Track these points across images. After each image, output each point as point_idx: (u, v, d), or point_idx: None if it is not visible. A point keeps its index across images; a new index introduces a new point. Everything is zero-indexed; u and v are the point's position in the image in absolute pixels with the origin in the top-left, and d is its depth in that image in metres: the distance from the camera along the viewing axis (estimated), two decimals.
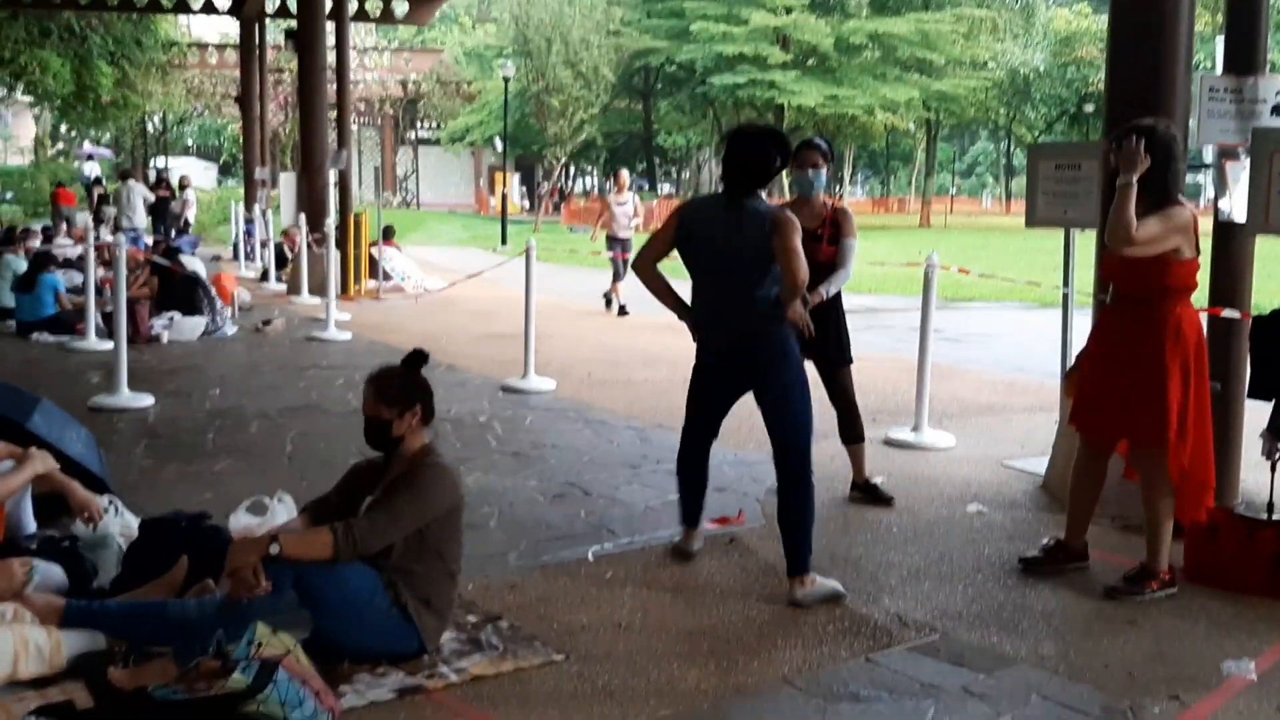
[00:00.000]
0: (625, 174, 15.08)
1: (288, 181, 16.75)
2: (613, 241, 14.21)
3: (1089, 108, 45.30)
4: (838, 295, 5.62)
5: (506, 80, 35.52)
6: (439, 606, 3.57)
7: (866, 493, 5.65)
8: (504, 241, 29.77)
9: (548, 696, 3.34)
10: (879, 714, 3.29)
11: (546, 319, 12.64)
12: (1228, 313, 5.35)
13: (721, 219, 4.37)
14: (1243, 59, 5.56)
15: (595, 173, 63.38)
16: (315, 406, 7.68)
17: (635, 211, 14.57)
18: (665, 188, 59.83)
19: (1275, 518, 4.52)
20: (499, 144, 42.55)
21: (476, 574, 4.25)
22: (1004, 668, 3.63)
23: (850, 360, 5.67)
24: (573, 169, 62.80)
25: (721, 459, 6.45)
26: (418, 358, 3.73)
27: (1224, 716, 3.33)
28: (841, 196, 52.18)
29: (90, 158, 42.30)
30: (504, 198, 34.57)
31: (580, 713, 3.23)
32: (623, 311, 13.98)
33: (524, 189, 54.44)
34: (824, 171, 5.60)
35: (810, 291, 5.47)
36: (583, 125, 40.62)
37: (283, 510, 4.07)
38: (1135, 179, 4.15)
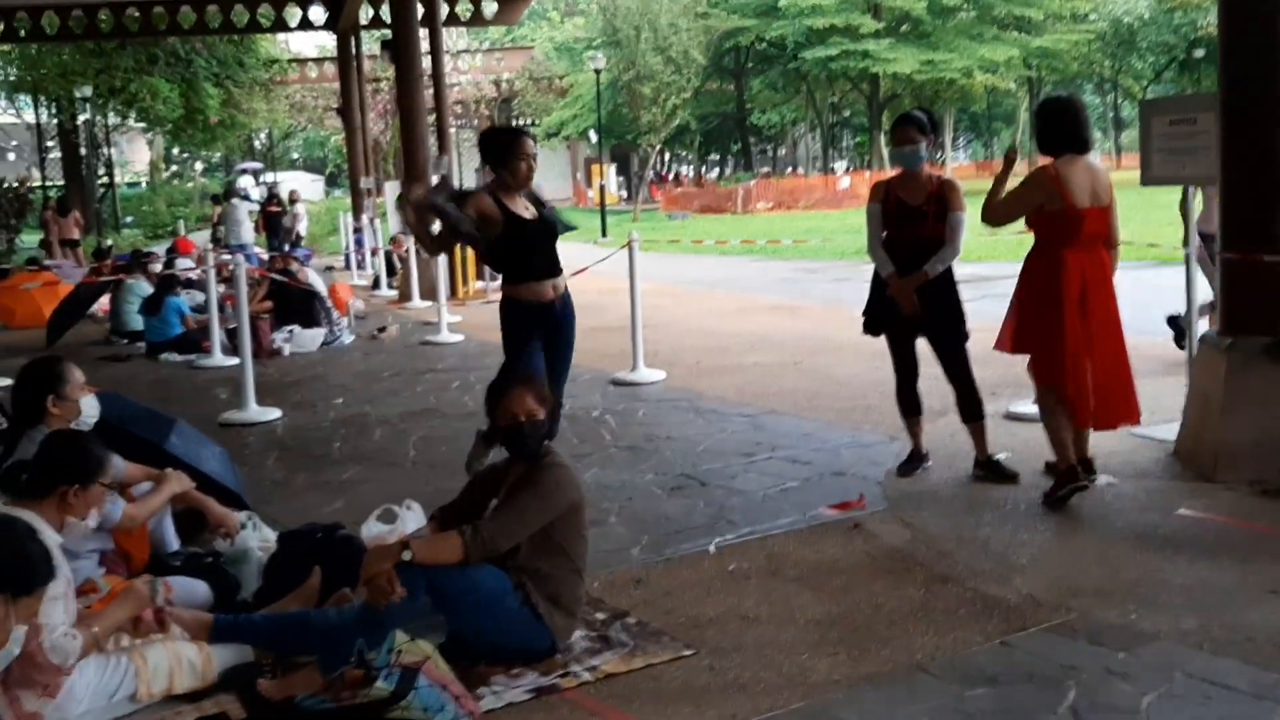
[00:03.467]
0: None
1: (393, 189, 17.09)
2: None
3: (1199, 53, 43.54)
4: (948, 270, 5.52)
5: (598, 72, 35.65)
6: (568, 604, 3.62)
7: (990, 470, 5.54)
8: (604, 233, 29.92)
9: (680, 691, 3.36)
10: (1018, 698, 3.24)
11: (651, 309, 12.69)
12: None
13: None
14: None
15: (691, 158, 63.28)
16: (434, 410, 7.85)
17: None
18: (763, 167, 59.37)
19: None
20: (593, 136, 42.75)
21: (601, 570, 4.30)
22: (1144, 645, 3.54)
23: (966, 336, 5.56)
24: (668, 155, 62.79)
25: (838, 442, 6.44)
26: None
27: None
28: (944, 163, 51.16)
29: (245, 172, 43.50)
30: (601, 189, 34.71)
31: (713, 707, 3.26)
32: None
33: (621, 179, 54.59)
34: (924, 145, 5.50)
35: (916, 271, 5.41)
36: (675, 110, 40.57)
37: (412, 517, 4.18)
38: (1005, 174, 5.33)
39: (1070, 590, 4.03)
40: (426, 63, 16.60)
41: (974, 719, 3.13)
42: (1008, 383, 7.02)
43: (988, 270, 15.15)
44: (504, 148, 5.41)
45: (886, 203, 5.58)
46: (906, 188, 5.57)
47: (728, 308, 13.36)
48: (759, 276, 18.01)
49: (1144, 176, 6.48)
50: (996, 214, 5.21)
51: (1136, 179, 6.53)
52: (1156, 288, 10.30)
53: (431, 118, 17.42)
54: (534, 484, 3.59)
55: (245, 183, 39.06)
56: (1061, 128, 5.10)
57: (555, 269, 5.59)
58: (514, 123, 54.19)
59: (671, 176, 60.99)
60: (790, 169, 58.44)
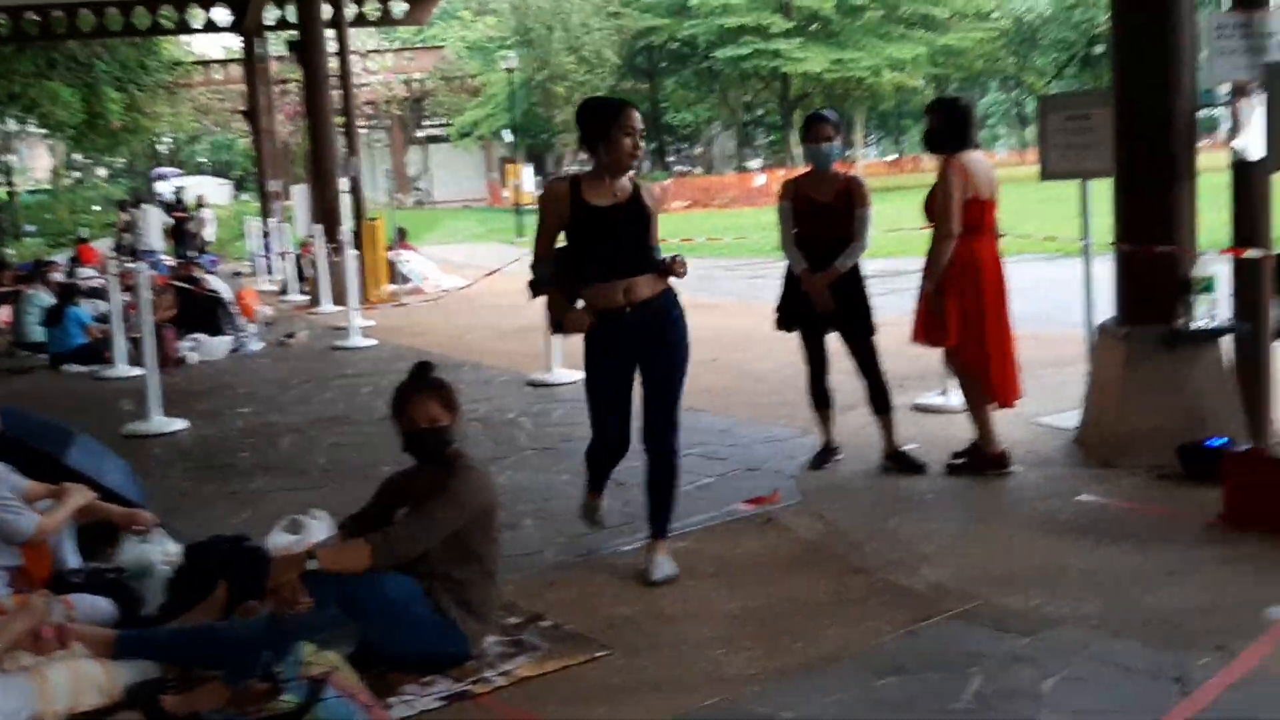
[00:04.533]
0: None
1: (301, 192, 16.81)
2: None
3: (1099, 49, 44.70)
4: (857, 266, 5.60)
5: (510, 71, 35.49)
6: (480, 610, 3.60)
7: (899, 461, 5.64)
8: (520, 233, 29.78)
9: (595, 692, 3.36)
10: (925, 686, 3.30)
11: None
12: (1251, 253, 5.30)
13: None
14: None
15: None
16: (345, 417, 7.73)
17: None
18: (679, 166, 59.59)
19: None
20: (507, 135, 42.54)
21: (515, 574, 4.27)
22: (1047, 630, 3.63)
23: (873, 330, 5.65)
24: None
25: (754, 437, 6.49)
26: (426, 367, 3.76)
27: (1272, 664, 3.31)
28: (855, 161, 51.88)
29: (162, 178, 42.40)
30: (516, 189, 34.53)
31: (629, 706, 3.26)
32: None
33: (538, 179, 54.40)
34: (836, 143, 5.60)
35: (828, 266, 5.49)
36: None
37: (319, 527, 4.11)
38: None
39: (976, 578, 4.12)
40: (335, 64, 16.38)
41: (883, 708, 3.18)
42: (915, 375, 7.13)
43: (898, 265, 15.42)
44: (602, 120, 4.25)
45: (796, 200, 5.66)
46: (815, 185, 5.65)
47: None
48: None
49: (1043, 171, 6.65)
50: (947, 220, 5.25)
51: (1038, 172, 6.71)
52: (1053, 280, 10.58)
53: (340, 119, 17.17)
54: (444, 489, 3.55)
55: (163, 188, 38.18)
56: (959, 125, 5.33)
57: (632, 267, 4.28)
58: (424, 122, 53.79)
59: None
60: (703, 169, 58.75)
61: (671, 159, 57.98)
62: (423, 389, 3.72)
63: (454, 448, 3.69)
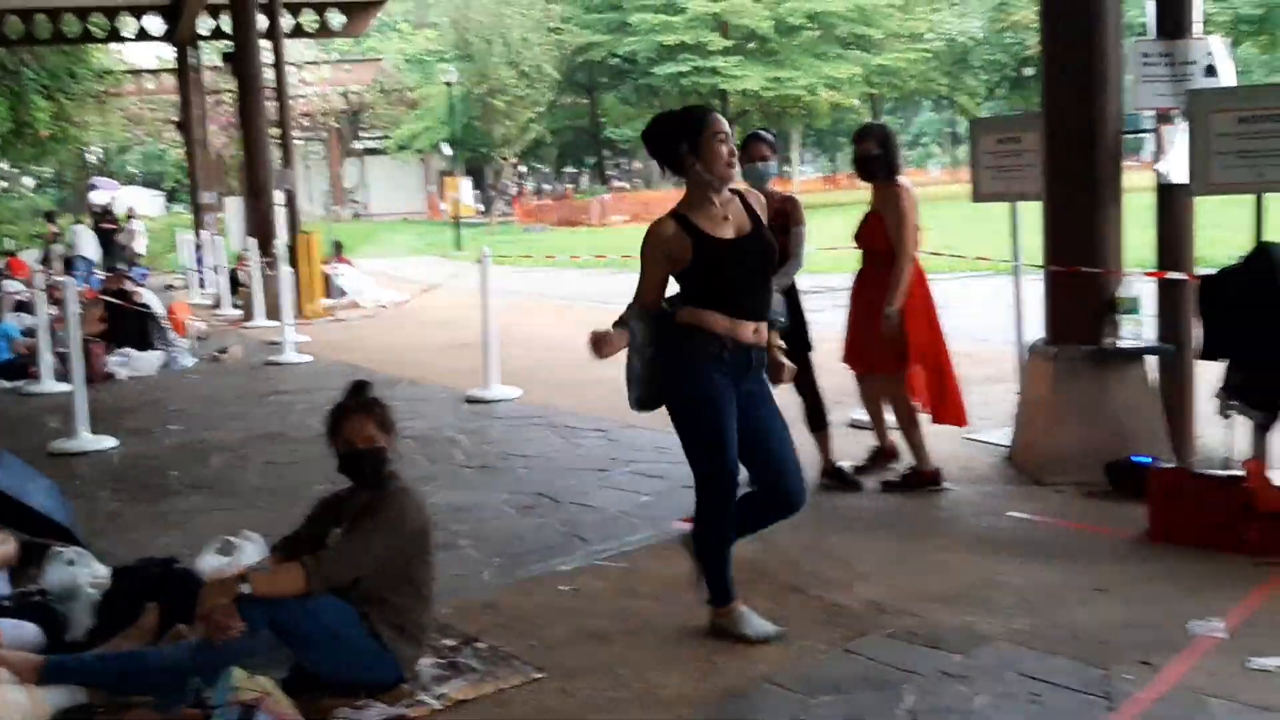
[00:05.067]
0: None
1: (235, 205, 16.60)
2: None
3: (1029, 71, 45.63)
4: (793, 284, 5.65)
5: (449, 85, 35.35)
6: (414, 633, 3.56)
7: (836, 478, 5.70)
8: (459, 247, 29.66)
9: (530, 715, 3.34)
10: (860, 704, 3.33)
11: (508, 324, 12.62)
12: (1173, 275, 5.44)
13: None
14: (1171, 22, 5.64)
15: (549, 171, 63.24)
16: (279, 434, 7.62)
17: None
18: (612, 178, 59.70)
19: (1233, 474, 4.60)
20: (446, 149, 42.35)
21: (451, 595, 4.24)
22: (980, 646, 3.68)
23: (810, 347, 5.70)
24: (524, 169, 62.57)
25: None
26: (363, 386, 3.72)
27: (1194, 677, 3.39)
28: (792, 178, 52.33)
29: (95, 188, 41.43)
30: (455, 202, 34.41)
31: None
32: None
33: (477, 192, 54.23)
34: (773, 163, 5.64)
35: None
36: (529, 124, 40.54)
37: (251, 549, 4.05)
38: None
39: (911, 595, 4.16)
40: (270, 75, 16.20)
41: None
42: (851, 391, 7.20)
43: (835, 281, 15.58)
44: (692, 131, 3.67)
45: None
46: None
47: (586, 321, 13.32)
48: (618, 290, 18.07)
49: (975, 193, 6.77)
50: (909, 244, 5.38)
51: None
52: (985, 298, 10.77)
53: (276, 131, 16.98)
54: (378, 511, 3.52)
55: (99, 199, 37.36)
56: (895, 151, 5.56)
57: (761, 310, 3.81)
58: (361, 135, 53.33)
59: (531, 190, 60.84)
60: (644, 184, 58.87)
61: (613, 174, 58.11)
62: (358, 409, 3.68)
63: (389, 469, 3.66)
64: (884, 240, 5.46)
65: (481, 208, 50.24)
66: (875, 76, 44.41)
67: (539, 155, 55.11)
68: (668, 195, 44.25)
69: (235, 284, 16.60)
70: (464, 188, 35.45)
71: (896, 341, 5.40)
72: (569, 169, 65.50)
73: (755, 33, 43.04)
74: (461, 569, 4.67)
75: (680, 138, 3.69)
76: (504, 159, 42.37)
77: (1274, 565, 4.20)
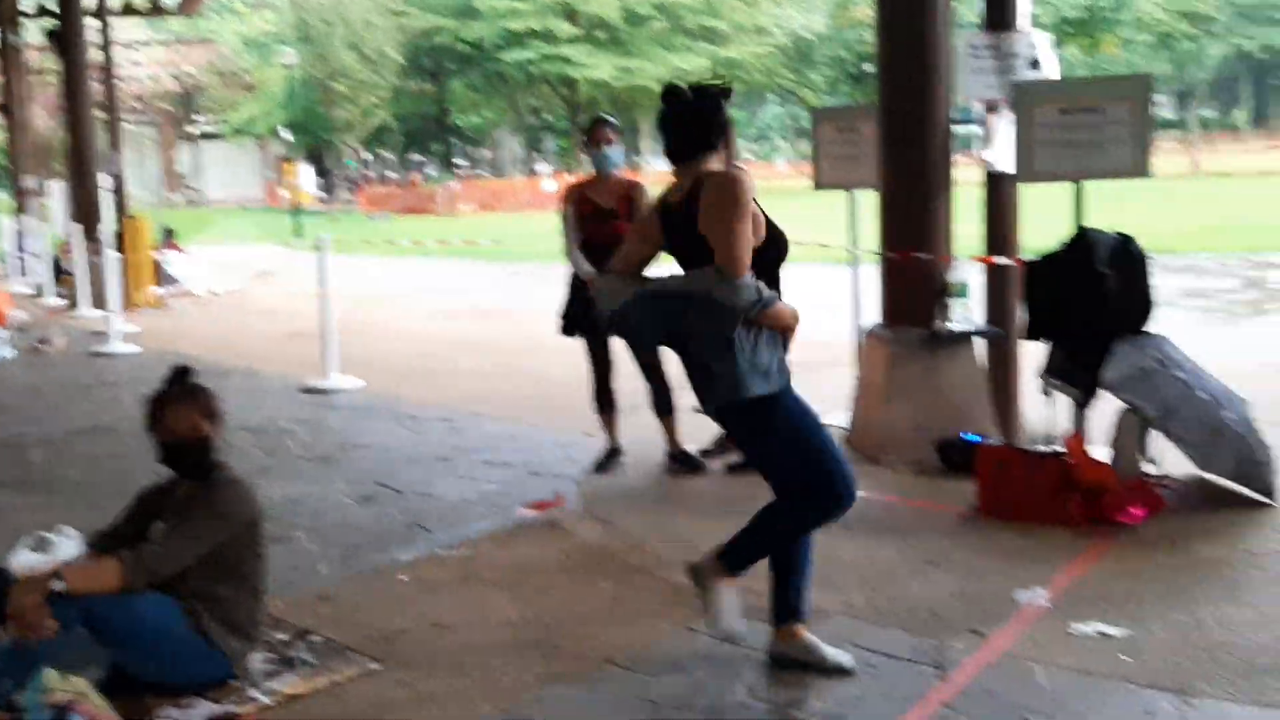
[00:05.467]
0: None
1: (58, 189, 15.73)
2: None
3: (869, 67, 46.97)
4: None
5: (287, 67, 34.29)
6: (245, 628, 3.42)
7: (682, 462, 5.73)
8: (298, 234, 28.83)
9: (367, 708, 3.25)
10: (699, 682, 3.35)
11: (353, 314, 12.32)
12: (1000, 260, 5.65)
13: None
14: (998, 16, 5.85)
15: (394, 158, 62.04)
16: (103, 428, 7.25)
17: None
18: (461, 166, 59.00)
19: (1055, 450, 4.81)
20: (285, 133, 41.11)
21: (285, 588, 4.09)
22: (818, 621, 3.72)
23: None
24: (369, 155, 61.21)
25: (539, 442, 6.47)
26: (185, 373, 3.55)
27: (1020, 645, 3.52)
28: (642, 168, 52.63)
29: None
30: (294, 189, 33.41)
31: None
32: None
33: (318, 179, 52.77)
34: (618, 147, 5.65)
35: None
36: (372, 109, 39.67)
37: (69, 545, 3.82)
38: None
39: (752, 573, 4.19)
40: (98, 55, 15.40)
41: (659, 706, 3.20)
42: None
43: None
44: (722, 111, 3.46)
45: (579, 205, 5.66)
46: (597, 190, 5.68)
47: (433, 310, 13.18)
48: (466, 279, 17.87)
49: (816, 182, 6.90)
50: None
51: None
52: (825, 286, 11.03)
53: (104, 114, 16.15)
54: (203, 503, 3.36)
55: None
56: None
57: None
58: (196, 118, 51.30)
59: (376, 177, 59.54)
60: (474, 170, 58.35)
61: (464, 162, 57.40)
62: (181, 396, 3.50)
63: (215, 459, 3.50)
64: None
65: (324, 195, 48.96)
66: (722, 69, 44.96)
67: (384, 141, 54.00)
68: (517, 185, 44.05)
69: (59, 272, 15.75)
70: (304, 174, 34.44)
71: None
72: (416, 156, 64.44)
73: (604, 21, 43.09)
74: (296, 562, 4.52)
75: (724, 112, 3.43)
76: (346, 145, 41.32)
77: (1093, 537, 4.40)
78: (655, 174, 50.18)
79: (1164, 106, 70.22)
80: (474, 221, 35.30)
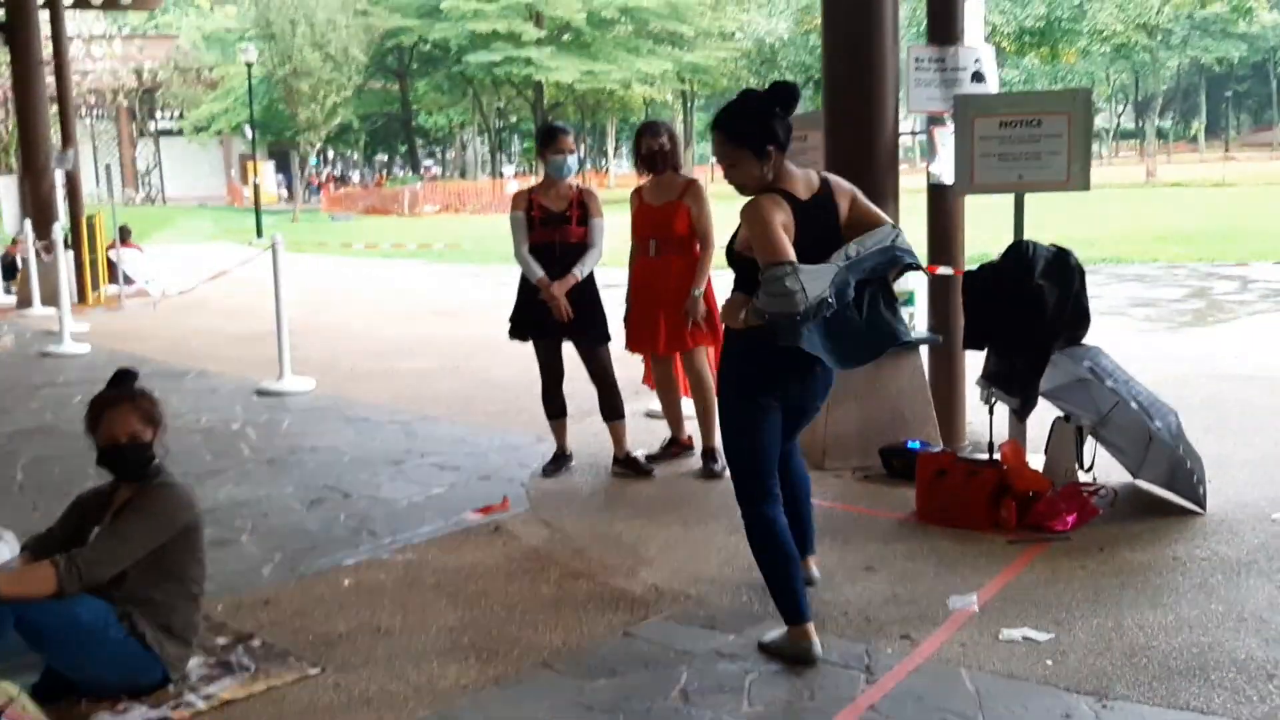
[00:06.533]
0: None
1: (8, 185, 15.53)
2: None
3: None
4: (591, 275, 5.72)
5: (249, 65, 34.04)
6: (182, 632, 3.43)
7: (629, 467, 5.78)
8: (260, 234, 28.63)
9: (302, 713, 3.27)
10: (634, 685, 3.39)
11: (307, 314, 12.28)
12: (943, 270, 5.74)
13: None
14: (943, 29, 5.94)
15: (357, 158, 61.73)
16: (50, 428, 7.20)
17: None
18: (428, 166, 58.80)
19: (991, 457, 4.90)
20: (249, 131, 40.81)
21: (227, 592, 4.11)
22: (754, 627, 3.80)
23: (608, 338, 5.77)
24: (333, 154, 60.85)
25: (488, 445, 6.49)
26: (127, 376, 3.56)
27: (949, 649, 3.59)
28: (608, 171, 52.71)
29: None
30: (256, 188, 33.17)
31: None
32: None
33: (281, 177, 52.39)
34: (575, 156, 5.76)
35: (565, 274, 5.58)
36: (336, 109, 39.44)
37: (2, 548, 3.81)
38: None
39: (692, 579, 4.27)
40: (50, 49, 15.21)
41: (593, 710, 3.25)
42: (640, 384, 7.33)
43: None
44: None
45: (530, 210, 5.71)
46: (548, 195, 5.73)
47: (388, 312, 13.15)
48: (424, 280, 17.84)
49: None
50: (712, 234, 5.62)
51: None
52: None
53: (57, 108, 15.98)
54: (140, 507, 3.37)
55: None
56: (679, 147, 5.78)
57: None
58: (156, 115, 50.75)
59: (338, 177, 59.19)
60: (458, 173, 58.14)
61: (430, 163, 57.19)
62: (122, 400, 3.51)
63: (155, 463, 3.50)
64: (686, 227, 5.59)
65: (285, 194, 48.60)
66: (687, 73, 45.18)
67: (347, 141, 53.71)
68: (481, 187, 43.92)
69: (9, 269, 15.58)
70: (266, 173, 34.17)
71: (707, 319, 5.62)
72: (380, 156, 64.11)
73: (569, 24, 43.11)
74: (240, 565, 4.52)
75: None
76: (309, 144, 41.04)
77: (1025, 543, 4.50)
78: (619, 176, 50.27)
79: (1122, 116, 71.28)
80: (436, 223, 35.21)
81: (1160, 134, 60.01)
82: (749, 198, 3.56)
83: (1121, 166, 53.32)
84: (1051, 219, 20.02)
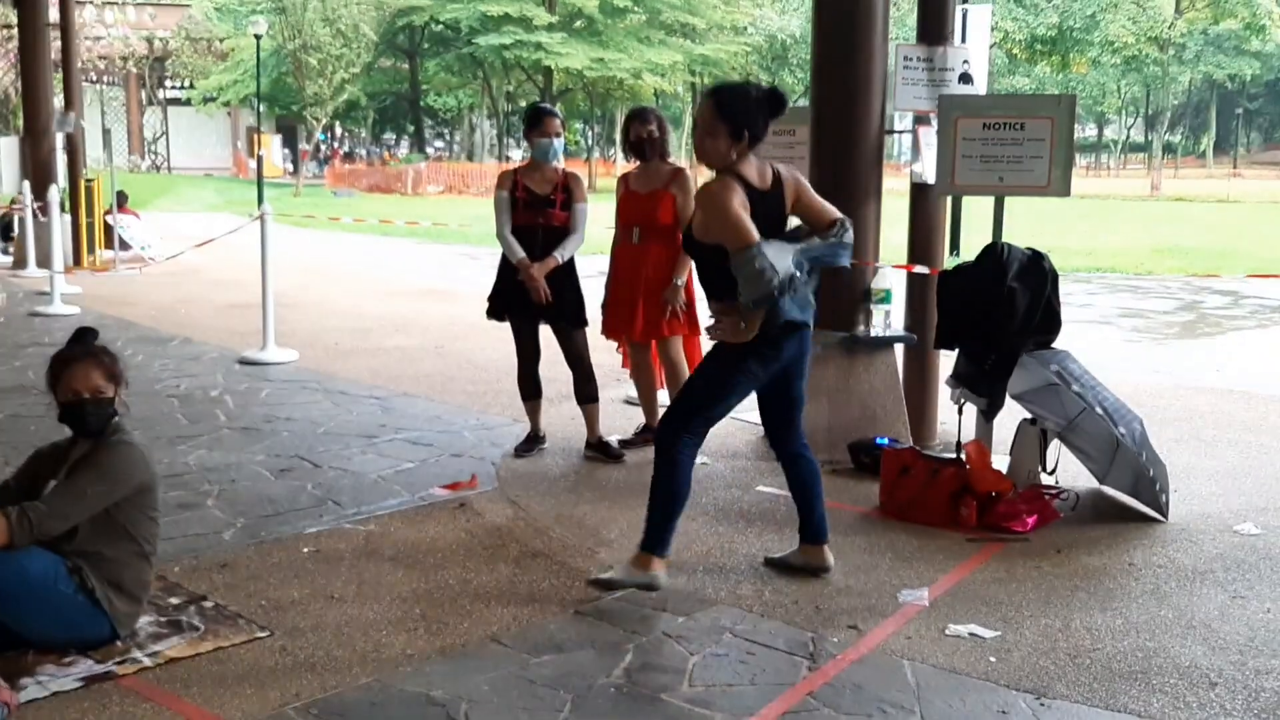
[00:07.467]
0: None
1: (9, 145, 15.54)
2: None
3: None
4: (571, 259, 5.73)
5: (258, 37, 33.98)
6: (132, 590, 3.46)
7: (600, 451, 5.80)
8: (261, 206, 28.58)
9: (245, 673, 3.29)
10: (579, 663, 3.42)
11: (297, 288, 12.31)
12: (919, 269, 5.75)
13: None
14: (933, 29, 5.95)
15: (365, 135, 61.66)
16: (29, 386, 7.20)
17: None
18: (438, 148, 58.77)
19: (955, 455, 4.92)
20: (257, 103, 40.79)
21: (185, 554, 4.14)
22: (703, 609, 3.83)
23: (585, 323, 5.79)
24: (340, 130, 60.78)
25: (464, 424, 6.51)
26: (88, 334, 3.58)
27: (894, 641, 3.62)
28: (614, 159, 52.61)
29: None
30: (260, 160, 33.15)
31: (277, 687, 3.21)
32: None
33: (286, 151, 52.33)
34: (561, 140, 5.75)
35: (546, 257, 5.60)
36: (344, 85, 39.39)
37: None
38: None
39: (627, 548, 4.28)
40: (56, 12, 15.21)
41: (534, 684, 3.27)
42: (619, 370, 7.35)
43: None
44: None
45: (515, 191, 5.72)
46: (534, 178, 5.74)
47: (378, 289, 13.16)
48: (418, 259, 17.85)
49: None
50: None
51: None
52: None
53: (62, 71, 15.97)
54: (95, 464, 3.39)
55: None
56: (669, 136, 5.82)
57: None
58: (166, 83, 50.69)
59: (344, 153, 59.16)
60: (465, 155, 58.08)
61: (440, 144, 57.11)
62: (83, 357, 3.53)
63: (114, 421, 3.52)
64: (670, 216, 5.59)
65: (290, 168, 48.55)
66: (697, 65, 45.05)
67: (355, 118, 53.65)
68: (486, 169, 43.86)
69: (6, 230, 15.59)
70: (273, 145, 34.16)
71: (685, 309, 5.65)
72: (387, 135, 64.06)
73: (581, 11, 42.99)
74: (202, 528, 4.55)
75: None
76: (315, 119, 40.98)
77: (984, 541, 4.52)
78: (625, 166, 50.22)
79: (1132, 129, 71.15)
80: (439, 203, 35.20)
81: (1169, 148, 59.92)
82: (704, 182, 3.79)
83: (1128, 179, 53.32)
84: (1050, 226, 20.06)
